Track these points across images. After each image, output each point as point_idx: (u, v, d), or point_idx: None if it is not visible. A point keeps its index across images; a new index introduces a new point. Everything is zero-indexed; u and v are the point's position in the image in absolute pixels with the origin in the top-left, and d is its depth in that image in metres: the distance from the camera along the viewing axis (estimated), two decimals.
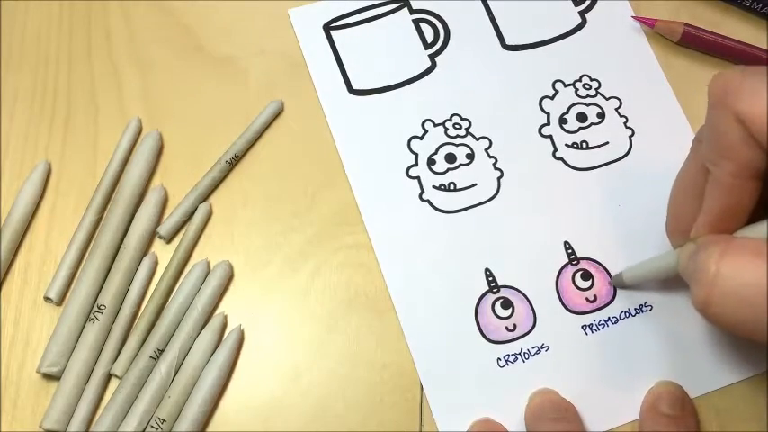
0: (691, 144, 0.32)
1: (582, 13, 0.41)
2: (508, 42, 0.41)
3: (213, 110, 0.39)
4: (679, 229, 0.32)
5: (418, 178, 0.38)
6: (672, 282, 0.35)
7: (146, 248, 0.37)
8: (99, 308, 0.35)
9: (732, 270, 0.26)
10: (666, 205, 0.33)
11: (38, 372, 0.34)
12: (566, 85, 0.40)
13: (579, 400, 0.34)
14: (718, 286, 0.26)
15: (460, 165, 0.38)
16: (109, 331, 0.35)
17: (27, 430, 0.34)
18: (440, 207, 0.37)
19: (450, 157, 0.38)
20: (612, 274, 0.36)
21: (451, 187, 0.38)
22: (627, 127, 0.39)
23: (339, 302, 0.36)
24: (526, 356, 0.35)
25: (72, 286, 0.36)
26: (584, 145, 0.39)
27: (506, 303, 0.36)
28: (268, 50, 0.40)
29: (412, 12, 0.41)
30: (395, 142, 0.39)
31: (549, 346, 0.35)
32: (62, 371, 0.34)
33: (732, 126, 0.27)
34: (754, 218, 0.29)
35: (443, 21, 0.41)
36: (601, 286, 0.36)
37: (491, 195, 0.38)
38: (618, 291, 0.36)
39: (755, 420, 0.34)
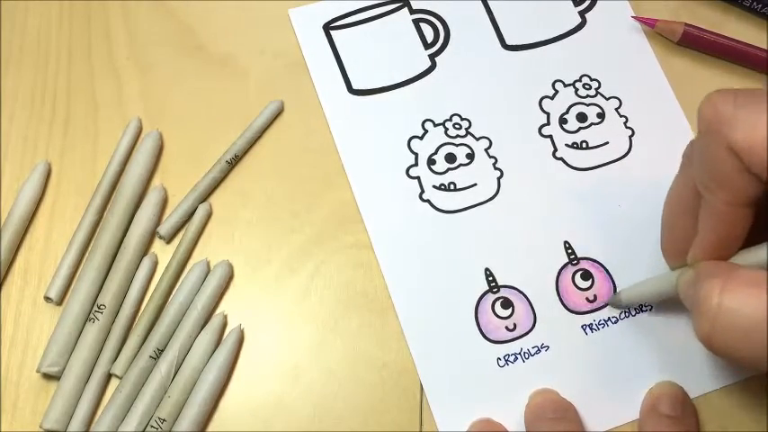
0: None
1: (582, 13, 0.41)
2: (508, 42, 0.41)
3: (213, 110, 0.39)
4: (674, 249, 0.32)
5: (418, 178, 0.38)
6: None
7: (146, 248, 0.37)
8: (99, 308, 0.35)
9: (733, 304, 0.26)
10: (660, 226, 0.33)
11: (38, 372, 0.34)
12: (566, 85, 0.40)
13: (579, 400, 0.34)
14: (719, 320, 0.26)
15: (460, 165, 0.38)
16: (109, 331, 0.35)
17: (27, 430, 0.34)
18: (440, 207, 0.37)
19: (450, 157, 0.38)
20: (612, 273, 0.36)
21: (451, 187, 0.38)
22: (627, 127, 0.39)
23: (339, 302, 0.36)
24: (526, 356, 0.35)
25: (72, 286, 0.36)
26: (584, 145, 0.39)
27: (506, 303, 0.36)
28: (268, 50, 0.40)
29: (412, 12, 0.41)
30: (395, 142, 0.39)
31: (548, 346, 0.35)
32: (62, 371, 0.34)
33: (726, 156, 0.26)
34: (750, 239, 0.29)
35: (443, 21, 0.41)
36: (600, 286, 0.36)
37: (491, 195, 0.38)
38: (618, 291, 0.36)
39: (755, 420, 0.34)
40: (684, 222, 0.31)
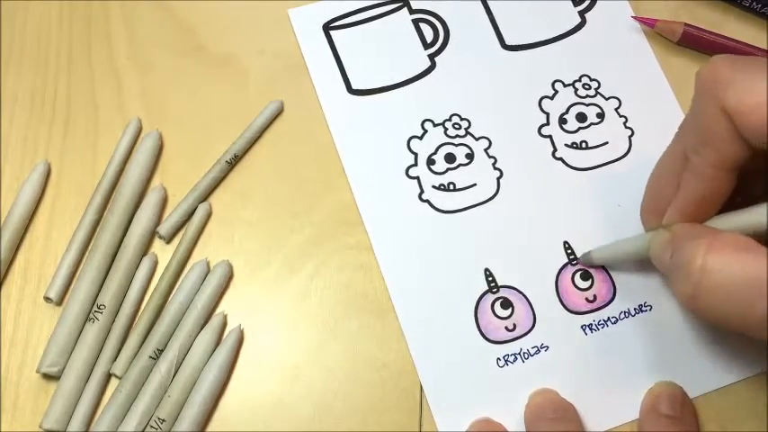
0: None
1: (581, 13, 0.41)
2: (508, 42, 0.41)
3: (213, 110, 0.39)
4: (653, 211, 0.33)
5: (418, 178, 0.38)
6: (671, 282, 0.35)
7: (145, 248, 0.37)
8: (99, 308, 0.35)
9: (718, 264, 0.26)
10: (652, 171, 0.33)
11: (38, 372, 0.34)
12: (565, 85, 0.40)
13: (579, 400, 0.34)
14: (704, 280, 0.26)
15: (460, 165, 0.38)
16: (109, 331, 0.35)
17: (27, 430, 0.34)
18: (439, 207, 0.37)
19: (450, 157, 0.38)
20: (612, 274, 0.36)
21: (451, 187, 0.38)
22: (626, 127, 0.39)
23: (339, 303, 0.36)
24: (526, 356, 0.35)
25: (72, 286, 0.36)
26: (584, 145, 0.39)
27: (506, 303, 0.36)
28: (268, 50, 0.40)
29: (411, 12, 0.41)
30: (395, 142, 0.39)
31: (548, 346, 0.35)
32: (62, 371, 0.34)
33: (718, 117, 0.27)
34: (725, 208, 0.29)
35: (443, 21, 0.41)
36: (600, 286, 0.36)
37: (491, 195, 0.38)
38: (618, 291, 0.36)
39: (755, 420, 0.34)
40: (668, 187, 0.31)
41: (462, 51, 0.40)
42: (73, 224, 0.37)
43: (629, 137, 0.39)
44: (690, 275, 0.26)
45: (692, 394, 0.34)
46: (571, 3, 0.41)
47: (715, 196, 0.29)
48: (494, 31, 0.41)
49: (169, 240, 0.37)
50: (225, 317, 0.35)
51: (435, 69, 0.40)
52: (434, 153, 0.38)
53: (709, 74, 0.28)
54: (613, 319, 0.36)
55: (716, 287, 0.26)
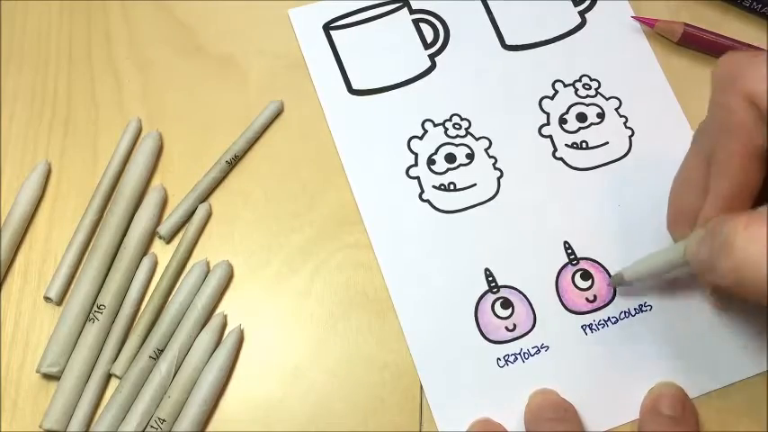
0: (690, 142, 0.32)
1: (582, 13, 0.41)
2: (508, 42, 0.41)
3: (213, 110, 0.39)
4: (680, 222, 0.33)
5: (418, 178, 0.38)
6: (671, 282, 0.35)
7: (145, 248, 0.37)
8: (99, 308, 0.35)
9: (760, 234, 0.25)
10: (667, 203, 0.33)
11: (38, 372, 0.34)
12: (565, 85, 0.40)
13: (579, 400, 0.34)
14: (748, 251, 0.25)
15: (460, 165, 0.38)
16: (109, 331, 0.35)
17: (27, 430, 0.34)
18: (440, 207, 0.37)
19: (450, 157, 0.38)
20: (612, 273, 0.36)
21: (451, 187, 0.38)
22: (627, 127, 0.39)
23: (339, 302, 0.36)
24: (526, 356, 0.35)
25: (72, 286, 0.36)
26: (584, 145, 0.39)
27: (506, 303, 0.36)
28: (268, 50, 0.40)
29: (412, 12, 0.41)
30: (395, 142, 0.39)
31: (548, 347, 0.35)
32: (62, 371, 0.34)
33: (743, 106, 0.27)
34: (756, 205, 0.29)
35: (443, 21, 0.41)
36: (600, 286, 0.36)
37: (491, 195, 0.38)
38: (618, 291, 0.36)
39: (755, 420, 0.34)
40: (691, 196, 0.31)
41: (462, 51, 0.40)
42: (73, 224, 0.37)
43: (630, 137, 0.39)
44: (732, 250, 0.26)
45: (692, 394, 0.34)
46: (571, 3, 0.41)
47: (747, 188, 0.29)
48: (494, 31, 0.41)
49: (169, 240, 0.37)
50: (225, 317, 0.35)
51: (435, 69, 0.40)
52: (435, 153, 0.38)
53: (726, 66, 0.28)
54: (613, 319, 0.36)
55: (759, 256, 0.25)
